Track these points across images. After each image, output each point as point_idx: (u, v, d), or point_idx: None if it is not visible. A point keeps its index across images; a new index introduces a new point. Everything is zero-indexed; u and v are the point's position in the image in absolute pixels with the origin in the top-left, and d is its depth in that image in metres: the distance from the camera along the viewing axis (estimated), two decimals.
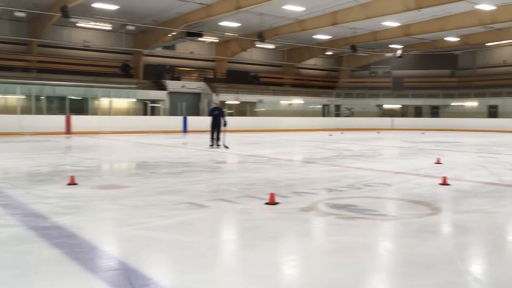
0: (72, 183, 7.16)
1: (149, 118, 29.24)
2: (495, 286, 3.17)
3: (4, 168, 9.48)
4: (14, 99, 25.22)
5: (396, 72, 42.14)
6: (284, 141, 20.50)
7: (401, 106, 40.15)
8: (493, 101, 36.42)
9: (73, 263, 3.57)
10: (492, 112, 36.38)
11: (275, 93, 36.97)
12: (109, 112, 28.31)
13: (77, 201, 5.94)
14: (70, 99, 26.65)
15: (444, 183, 7.45)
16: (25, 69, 28.43)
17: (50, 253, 3.76)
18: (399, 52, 35.66)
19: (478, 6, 24.73)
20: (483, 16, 26.63)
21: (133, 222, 4.87)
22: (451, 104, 38.89)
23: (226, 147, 15.40)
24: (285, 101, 36.41)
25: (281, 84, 39.18)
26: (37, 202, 5.76)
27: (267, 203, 5.77)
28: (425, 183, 7.73)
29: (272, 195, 5.85)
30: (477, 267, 3.73)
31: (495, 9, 25.04)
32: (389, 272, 3.56)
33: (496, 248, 4.17)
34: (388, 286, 3.31)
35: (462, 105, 38.22)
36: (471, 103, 37.70)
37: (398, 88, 41.18)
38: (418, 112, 40.12)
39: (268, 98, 35.43)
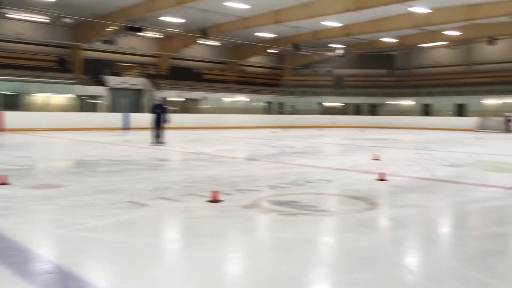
0: (3, 182, 6.78)
1: (88, 115, 28.25)
2: (429, 278, 3.32)
3: None
4: None
5: (337, 71, 43.27)
6: (227, 138, 20.49)
7: (342, 104, 41.28)
8: (427, 100, 38.28)
9: (3, 267, 3.37)
10: (426, 111, 38.23)
11: (219, 90, 36.86)
12: (45, 108, 27.08)
13: (9, 201, 5.62)
14: (3, 94, 25.24)
15: (382, 178, 7.72)
16: None
17: None
18: (339, 52, 36.64)
19: (412, 9, 25.87)
20: (417, 18, 27.88)
21: (70, 223, 4.67)
22: (389, 102, 40.48)
23: (162, 143, 15.24)
24: (228, 98, 36.40)
25: (225, 82, 39.12)
26: None
27: (209, 201, 5.73)
28: (364, 179, 7.98)
29: (214, 193, 5.81)
30: (412, 260, 3.89)
31: (430, 12, 26.29)
32: (330, 267, 3.63)
33: (429, 241, 4.36)
34: (329, 280, 3.38)
35: (399, 104, 39.90)
36: (408, 102, 39.44)
37: (339, 86, 42.31)
38: (358, 110, 41.43)
39: (212, 95, 35.28)
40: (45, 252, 3.81)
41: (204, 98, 34.85)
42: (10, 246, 3.88)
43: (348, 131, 28.81)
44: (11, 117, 23.43)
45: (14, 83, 26.39)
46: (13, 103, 26.06)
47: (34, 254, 3.75)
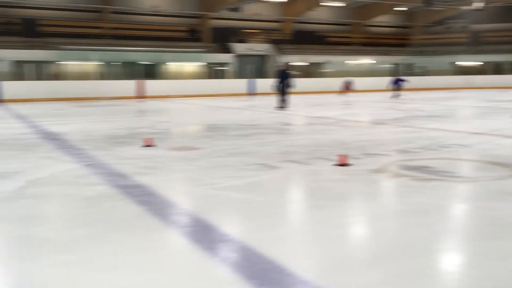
0: (149, 145, 7.52)
1: (216, 82, 29.66)
2: None
3: (85, 131, 10.10)
4: (89, 65, 26.50)
5: (474, 27, 39.41)
6: (352, 102, 20.09)
7: (479, 63, 37.71)
8: None
9: (155, 219, 3.81)
10: None
11: (343, 53, 36.00)
12: (178, 76, 29.02)
13: (155, 162, 6.25)
14: (142, 64, 27.58)
15: None
16: (99, 36, 29.64)
17: (134, 210, 4.03)
18: (479, 4, 33.20)
19: None
20: None
21: (208, 182, 5.06)
22: None
23: (285, 109, 15.42)
24: (353, 61, 35.40)
25: (349, 44, 38.04)
26: (118, 163, 6.12)
27: (337, 165, 5.75)
28: (507, 144, 7.33)
29: (342, 157, 5.81)
30: None
31: None
32: (467, 234, 3.47)
33: None
34: (467, 247, 3.23)
35: None
36: None
37: (476, 43, 38.59)
38: (497, 69, 37.53)
39: (336, 59, 34.62)
40: (189, 207, 4.19)
41: (328, 62, 34.35)
42: (159, 201, 4.34)
43: (486, 93, 26.35)
44: (151, 85, 25.58)
45: (152, 53, 28.63)
46: (150, 72, 28.39)
47: (179, 208, 4.17)
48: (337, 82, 27.92)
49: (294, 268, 2.75)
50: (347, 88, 26.89)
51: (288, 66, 20.47)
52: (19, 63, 24.68)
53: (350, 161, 5.84)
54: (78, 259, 2.95)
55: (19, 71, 24.37)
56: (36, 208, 4.18)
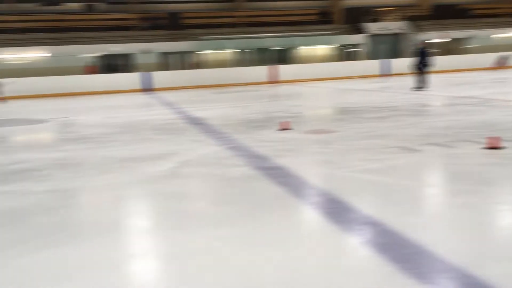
0: (285, 128, 7.72)
1: (348, 64, 29.09)
2: None
3: (224, 116, 10.71)
4: (226, 53, 27.87)
5: None
6: (505, 79, 18.22)
7: None
8: None
9: (295, 200, 3.94)
10: None
11: (490, 26, 32.68)
12: (309, 60, 29.09)
13: (292, 144, 6.41)
14: (274, 50, 28.20)
15: None
16: (234, 25, 30.97)
17: (275, 190, 4.20)
18: None
19: None
20: None
21: (345, 164, 5.05)
22: None
23: (425, 88, 14.53)
24: (501, 35, 31.97)
25: (497, 15, 34.39)
26: (257, 145, 6.41)
27: (486, 148, 5.31)
28: None
29: (493, 139, 5.34)
30: None
31: None
32: None
33: None
34: None
35: None
36: None
37: None
38: None
39: (482, 33, 31.59)
40: (328, 189, 4.23)
41: (473, 37, 31.50)
42: (298, 182, 4.47)
43: None
44: (283, 70, 26.09)
45: (283, 38, 29.08)
46: (282, 57, 28.90)
47: (319, 190, 4.24)
48: (484, 58, 25.51)
49: (443, 255, 2.65)
50: (501, 63, 24.40)
51: (426, 44, 19.27)
52: (165, 55, 26.93)
53: (503, 144, 5.35)
54: (228, 234, 3.19)
55: (165, 62, 26.61)
56: (188, 186, 4.59)
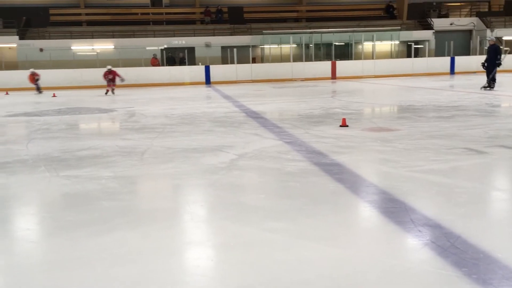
0: (344, 124, 7.61)
1: (412, 61, 28.15)
2: None
3: (283, 110, 10.71)
4: (287, 48, 27.77)
5: None
6: None
7: None
8: None
9: (353, 197, 3.89)
10: None
11: None
12: (372, 56, 28.43)
13: (351, 141, 6.31)
14: (335, 45, 27.79)
15: None
16: (296, 20, 30.80)
17: (334, 186, 4.17)
18: None
19: None
20: None
21: (407, 164, 4.92)
22: None
23: (494, 89, 13.78)
24: None
25: None
26: (315, 141, 6.37)
27: None
28: None
29: None
30: None
31: None
32: None
33: None
34: None
35: None
36: None
37: None
38: None
39: None
40: (388, 188, 4.13)
41: None
42: (357, 180, 4.40)
43: None
44: (344, 66, 25.70)
45: (346, 34, 28.58)
46: (344, 53, 28.43)
47: (378, 188, 4.15)
48: None
49: (508, 261, 2.52)
50: None
51: (497, 41, 18.29)
52: (225, 48, 27.27)
53: None
54: (284, 227, 3.21)
55: (224, 56, 26.94)
56: (246, 179, 4.65)
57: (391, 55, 29.75)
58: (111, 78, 18.14)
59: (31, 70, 20.31)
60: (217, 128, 8.10)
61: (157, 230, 3.26)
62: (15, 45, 25.68)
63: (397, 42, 29.61)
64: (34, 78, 19.96)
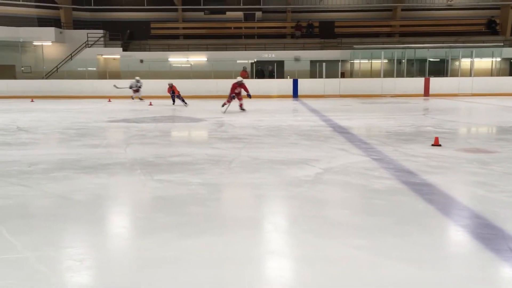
0: (437, 144, 7.28)
1: None
2: None
3: (371, 127, 10.47)
4: (378, 63, 27.16)
5: None
6: None
7: None
8: None
9: (444, 219, 3.71)
10: None
11: None
12: (469, 73, 26.92)
13: (444, 161, 6.02)
14: (430, 61, 26.70)
15: None
16: (389, 34, 30.05)
17: (424, 207, 4.00)
18: None
19: None
20: None
21: (506, 189, 4.59)
22: None
23: None
24: None
25: None
26: (405, 159, 6.15)
27: None
28: None
29: None
30: None
31: None
32: None
33: None
34: None
35: None
36: None
37: None
38: None
39: None
40: (479, 212, 3.86)
41: None
42: (449, 202, 4.19)
43: None
44: (438, 83, 24.59)
45: (441, 50, 27.35)
46: (438, 69, 27.18)
47: (471, 211, 3.92)
48: None
49: None
50: None
51: None
52: (314, 62, 27.28)
53: None
54: (367, 245, 3.14)
55: (313, 70, 26.93)
56: (330, 193, 4.61)
57: (491, 73, 27.93)
58: (238, 92, 15.78)
59: (169, 82, 19.58)
60: (303, 141, 8.11)
61: (241, 238, 3.34)
62: (118, 56, 27.69)
63: (498, 59, 27.77)
64: (171, 90, 19.22)
